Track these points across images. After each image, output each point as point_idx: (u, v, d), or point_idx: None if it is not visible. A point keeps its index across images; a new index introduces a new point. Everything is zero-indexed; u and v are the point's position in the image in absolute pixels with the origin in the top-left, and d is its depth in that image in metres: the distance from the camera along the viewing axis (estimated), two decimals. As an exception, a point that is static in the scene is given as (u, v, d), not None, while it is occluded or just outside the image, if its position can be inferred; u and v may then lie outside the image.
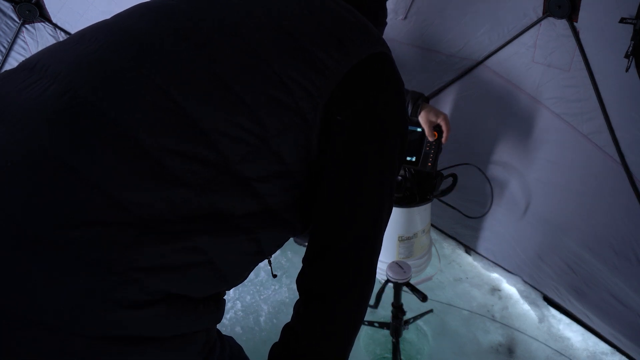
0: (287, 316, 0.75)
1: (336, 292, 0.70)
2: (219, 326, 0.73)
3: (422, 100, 1.50)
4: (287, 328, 0.73)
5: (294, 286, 0.83)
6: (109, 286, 0.54)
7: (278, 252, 2.38)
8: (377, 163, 0.71)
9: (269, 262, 0.83)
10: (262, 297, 2.06)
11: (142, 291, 0.55)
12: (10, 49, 2.02)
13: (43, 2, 2.00)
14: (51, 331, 0.52)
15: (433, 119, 1.47)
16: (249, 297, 2.06)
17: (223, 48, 0.64)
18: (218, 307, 0.69)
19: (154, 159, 0.56)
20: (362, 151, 0.69)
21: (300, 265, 0.74)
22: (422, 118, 1.48)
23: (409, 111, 1.51)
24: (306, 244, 0.73)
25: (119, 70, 0.61)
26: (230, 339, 0.79)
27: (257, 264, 0.73)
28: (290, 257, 2.25)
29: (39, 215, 0.52)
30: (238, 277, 0.70)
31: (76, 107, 0.57)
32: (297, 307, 0.73)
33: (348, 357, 0.74)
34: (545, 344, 1.83)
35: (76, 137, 0.55)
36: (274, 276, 0.90)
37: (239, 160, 0.60)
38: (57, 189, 0.53)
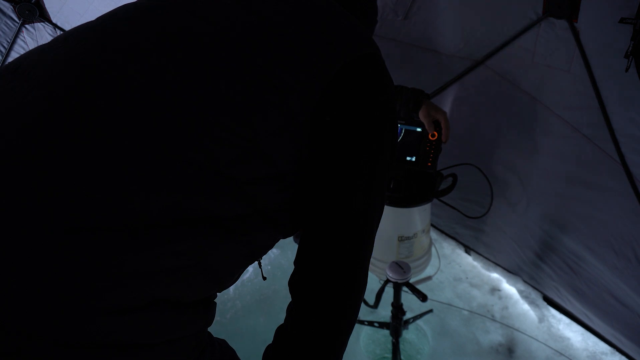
0: (287, 316, 0.75)
1: (328, 294, 0.70)
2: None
3: (423, 97, 1.50)
4: (280, 330, 0.73)
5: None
6: (96, 292, 0.53)
7: (278, 252, 2.39)
8: (367, 164, 0.70)
9: (259, 264, 0.82)
10: (262, 297, 2.07)
11: (129, 296, 0.55)
12: (10, 49, 2.01)
13: (43, 2, 2.00)
14: (37, 340, 0.52)
15: (433, 113, 1.47)
16: (249, 297, 2.06)
17: (212, 49, 0.63)
18: (208, 310, 0.68)
19: (141, 162, 0.55)
20: (352, 152, 0.69)
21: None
22: (422, 113, 1.48)
23: (410, 107, 1.51)
24: None
25: (103, 73, 0.60)
26: (222, 342, 0.78)
27: (248, 266, 0.72)
28: (290, 257, 2.26)
29: (24, 221, 0.52)
30: (228, 279, 0.70)
31: (58, 112, 0.56)
32: (290, 309, 0.72)
33: (341, 358, 0.74)
34: (545, 344, 1.83)
35: (60, 142, 0.55)
36: (264, 278, 0.89)
37: (229, 163, 0.60)
38: (41, 194, 0.52)
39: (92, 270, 0.53)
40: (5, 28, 1.98)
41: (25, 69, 0.62)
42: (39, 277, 0.51)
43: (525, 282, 2.02)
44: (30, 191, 0.53)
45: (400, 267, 1.48)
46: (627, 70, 1.27)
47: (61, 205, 0.53)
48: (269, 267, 2.20)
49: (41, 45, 0.69)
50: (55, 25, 2.05)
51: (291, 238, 0.84)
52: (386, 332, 1.76)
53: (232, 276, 0.71)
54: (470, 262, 2.24)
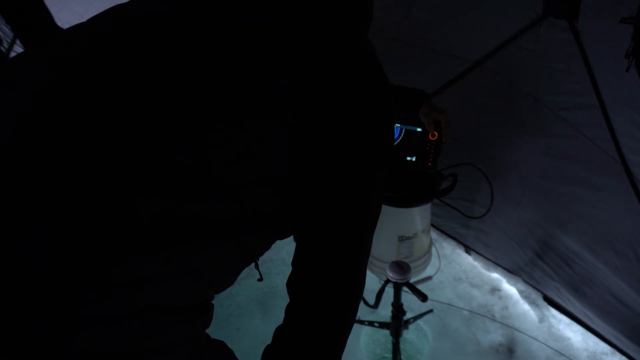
0: (287, 316, 0.75)
1: (327, 294, 0.69)
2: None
3: (423, 97, 1.49)
4: (279, 330, 0.73)
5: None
6: (90, 299, 0.53)
7: (277, 251, 2.38)
8: (366, 165, 0.69)
9: (256, 266, 0.82)
10: (262, 296, 2.07)
11: (125, 303, 0.55)
12: (10, 49, 2.01)
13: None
14: (31, 348, 0.52)
15: (433, 112, 1.47)
16: (248, 297, 2.06)
17: (206, 52, 0.63)
18: (206, 313, 0.68)
19: (134, 168, 0.55)
20: (351, 154, 0.68)
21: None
22: (422, 112, 1.48)
23: (410, 107, 1.50)
24: None
25: (97, 77, 0.59)
26: (220, 344, 0.78)
27: (244, 268, 0.72)
28: (289, 256, 2.25)
29: (11, 230, 0.51)
30: (225, 282, 0.70)
31: (53, 119, 0.56)
32: (288, 309, 0.72)
33: (340, 357, 0.74)
34: (545, 344, 1.83)
35: (55, 149, 0.54)
36: (260, 280, 0.89)
37: (224, 167, 0.59)
38: (35, 201, 0.52)
39: (84, 278, 0.52)
40: (6, 28, 1.98)
41: (14, 78, 0.61)
42: (29, 286, 0.51)
43: (525, 282, 2.02)
44: (26, 198, 0.52)
45: (401, 267, 1.48)
46: (627, 70, 1.27)
47: (52, 213, 0.52)
48: (270, 264, 2.20)
49: (31, 49, 0.68)
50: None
51: (291, 238, 0.84)
52: (386, 332, 1.76)
53: (229, 279, 0.71)
54: (470, 262, 2.24)
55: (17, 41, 2.03)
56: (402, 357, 1.74)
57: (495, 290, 2.10)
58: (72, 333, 0.53)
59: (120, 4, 0.72)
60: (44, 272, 0.51)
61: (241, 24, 0.67)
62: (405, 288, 1.56)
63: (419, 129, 1.60)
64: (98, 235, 0.53)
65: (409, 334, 1.91)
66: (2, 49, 2.01)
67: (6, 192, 0.52)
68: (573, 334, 1.85)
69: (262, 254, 0.74)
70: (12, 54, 2.04)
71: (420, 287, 1.55)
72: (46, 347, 0.52)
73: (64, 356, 0.53)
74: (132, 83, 0.59)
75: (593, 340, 1.81)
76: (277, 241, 0.76)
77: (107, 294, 0.53)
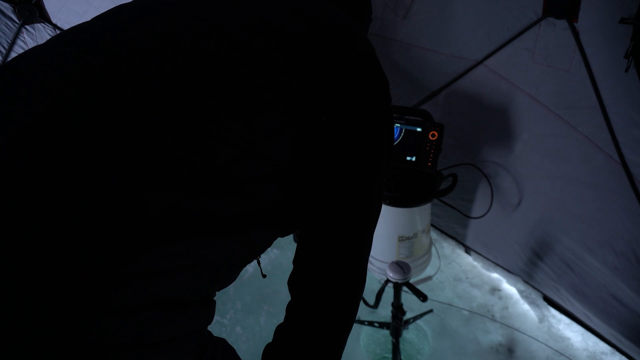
0: (287, 316, 0.75)
1: (327, 293, 0.70)
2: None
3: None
4: (280, 328, 0.73)
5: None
6: (98, 292, 0.53)
7: (278, 252, 2.39)
8: (366, 163, 0.70)
9: (258, 262, 0.83)
10: (262, 297, 2.07)
11: (132, 297, 0.55)
12: (10, 49, 2.02)
13: (43, 2, 2.00)
14: (40, 340, 0.52)
15: None
16: (249, 297, 2.06)
17: (210, 50, 0.63)
18: (209, 309, 0.69)
19: (142, 163, 0.56)
20: (351, 152, 0.69)
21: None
22: None
23: None
24: None
25: (102, 74, 0.60)
26: (222, 341, 0.78)
27: (247, 264, 0.73)
28: (290, 257, 2.25)
29: (22, 222, 0.51)
30: (228, 278, 0.70)
31: (60, 113, 0.56)
32: (289, 307, 0.73)
33: (341, 356, 0.74)
34: (545, 344, 1.83)
35: (62, 143, 0.55)
36: (264, 276, 0.90)
37: (228, 163, 0.60)
38: (42, 195, 0.52)
39: (94, 271, 0.53)
40: (5, 29, 1.98)
41: (22, 72, 0.62)
42: (40, 279, 0.51)
43: (525, 282, 2.02)
44: (27, 193, 0.52)
45: (401, 267, 1.48)
46: (627, 70, 1.27)
47: (61, 206, 0.52)
48: (269, 267, 2.20)
49: (35, 47, 0.68)
50: (55, 26, 2.06)
51: (291, 238, 0.84)
52: (386, 332, 1.76)
53: (233, 274, 0.71)
54: (470, 262, 2.24)
55: (18, 41, 2.03)
56: (402, 357, 1.74)
57: (495, 290, 2.10)
58: (82, 325, 0.53)
59: (124, 3, 0.72)
60: (57, 266, 0.52)
61: (243, 22, 0.67)
62: (405, 288, 1.56)
63: (419, 129, 1.60)
64: (110, 229, 0.53)
65: (409, 334, 1.91)
66: (2, 49, 2.01)
67: (18, 187, 0.53)
68: (573, 334, 1.86)
69: (263, 250, 0.75)
70: (12, 54, 2.05)
71: (420, 287, 1.55)
72: (56, 339, 0.52)
73: (72, 348, 0.53)
74: (136, 79, 0.59)
75: (593, 340, 1.81)
76: (279, 242, 0.77)
77: (117, 286, 0.54)
